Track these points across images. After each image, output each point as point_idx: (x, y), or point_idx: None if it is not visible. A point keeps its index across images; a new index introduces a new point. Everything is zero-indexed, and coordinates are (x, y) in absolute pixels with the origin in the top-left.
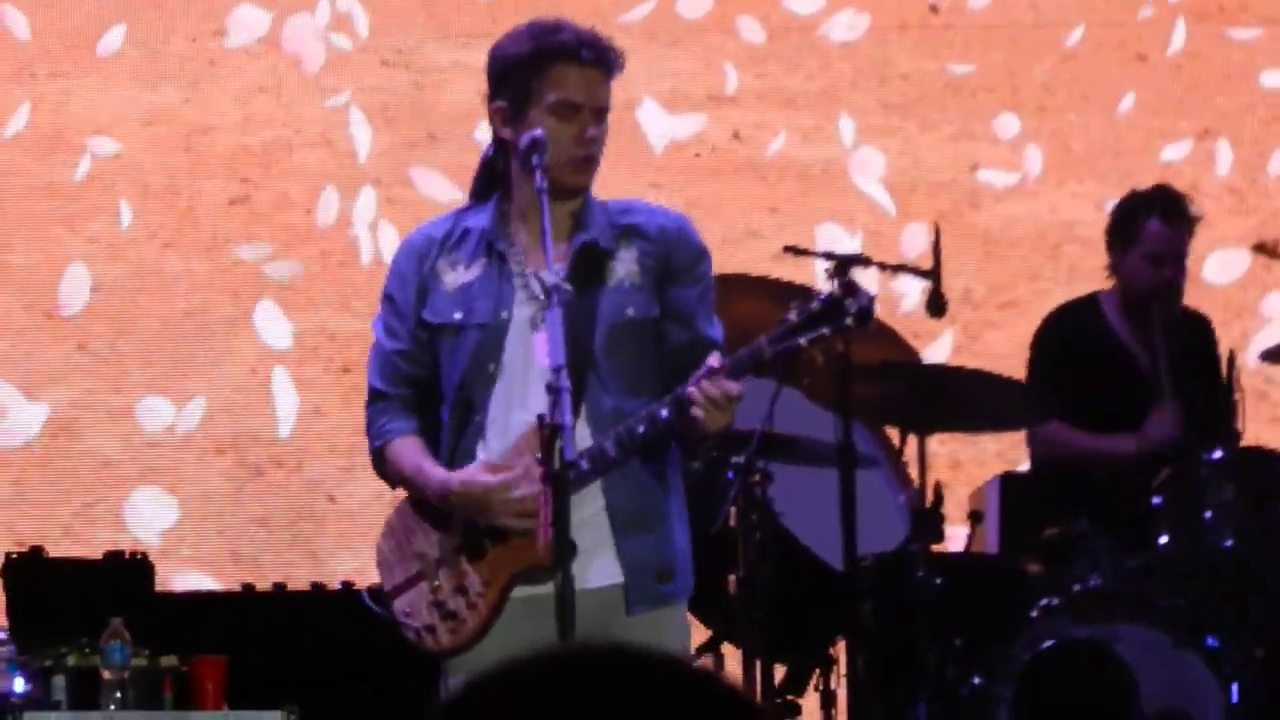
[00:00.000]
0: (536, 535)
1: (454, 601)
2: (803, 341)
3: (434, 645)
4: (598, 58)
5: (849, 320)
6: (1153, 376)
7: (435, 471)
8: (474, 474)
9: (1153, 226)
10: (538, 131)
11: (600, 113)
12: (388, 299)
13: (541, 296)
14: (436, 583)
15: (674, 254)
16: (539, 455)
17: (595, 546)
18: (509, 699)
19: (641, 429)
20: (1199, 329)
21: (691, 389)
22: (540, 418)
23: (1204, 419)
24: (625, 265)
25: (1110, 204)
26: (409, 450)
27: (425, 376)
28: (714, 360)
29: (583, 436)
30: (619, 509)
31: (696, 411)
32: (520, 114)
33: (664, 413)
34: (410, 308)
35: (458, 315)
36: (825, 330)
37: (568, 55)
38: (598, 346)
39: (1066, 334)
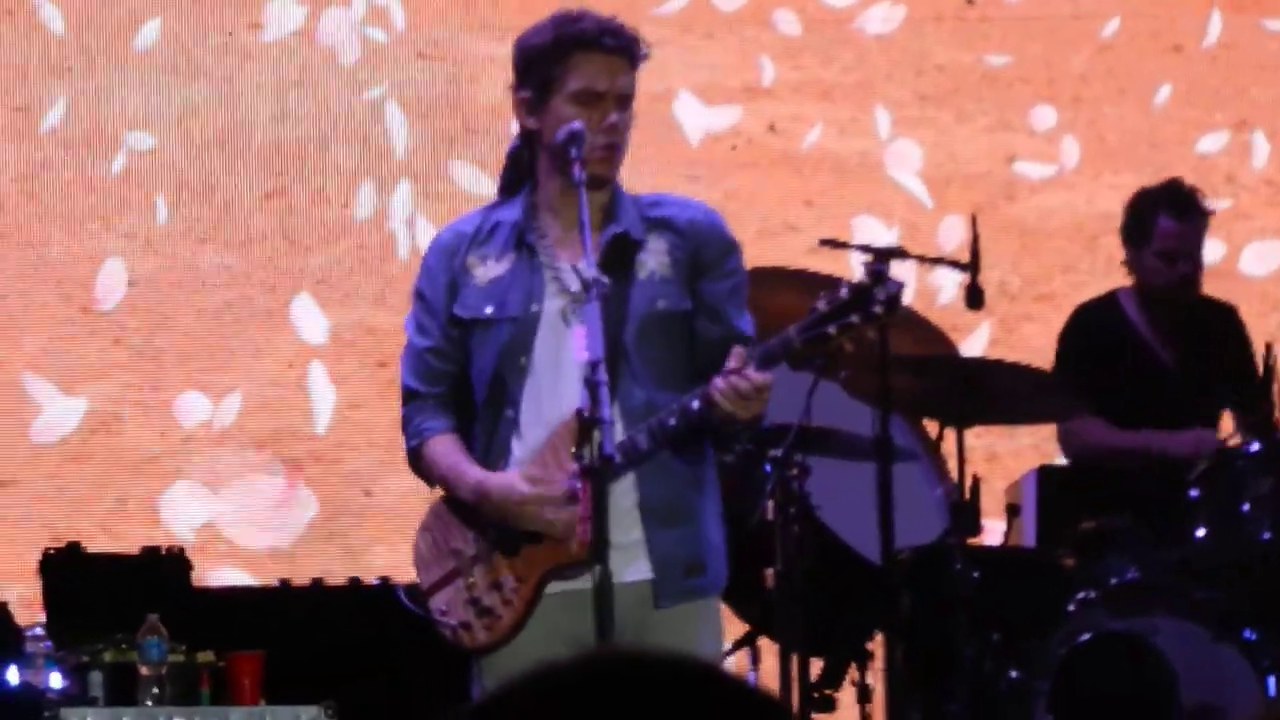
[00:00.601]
0: (571, 534)
1: (489, 598)
2: (832, 330)
3: (470, 642)
4: (619, 45)
5: (877, 308)
6: (1181, 371)
7: (471, 473)
8: (511, 482)
9: (1164, 224)
10: (576, 124)
11: (623, 100)
12: (419, 297)
13: (575, 289)
14: (472, 579)
15: (705, 248)
16: (575, 450)
17: (628, 541)
18: (537, 707)
19: (673, 421)
20: (1224, 316)
21: (719, 381)
22: (579, 411)
23: (1238, 407)
24: (656, 257)
25: None
26: (445, 449)
27: (458, 373)
28: (735, 356)
29: (615, 428)
30: (651, 503)
31: (724, 404)
32: (543, 103)
33: (695, 405)
34: (442, 305)
35: (489, 309)
36: (854, 318)
37: (589, 43)
38: (629, 339)
39: (1089, 331)
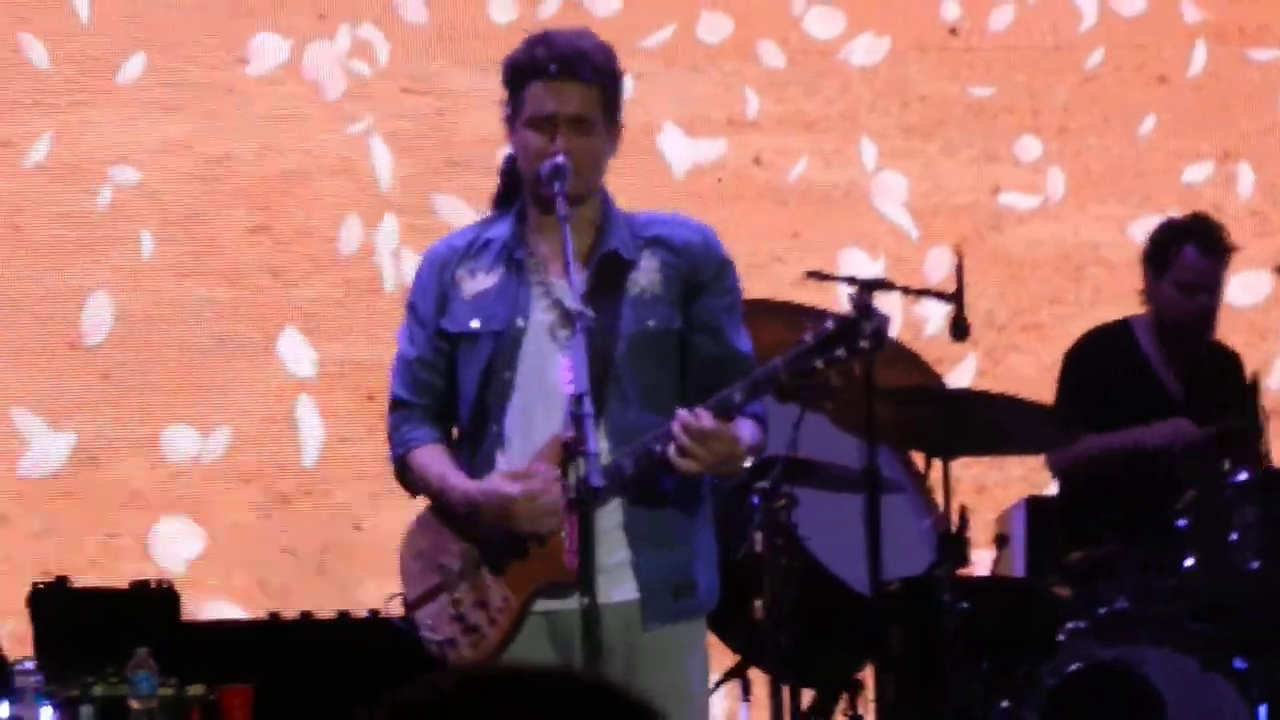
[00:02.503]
0: (559, 551)
1: (475, 615)
2: (818, 363)
3: (456, 659)
4: (564, 70)
5: (864, 342)
6: (1189, 403)
7: (458, 480)
8: (496, 483)
9: (1187, 255)
10: (559, 159)
11: (577, 122)
12: (410, 308)
13: (568, 303)
14: (457, 595)
15: (699, 267)
16: (559, 471)
17: (614, 563)
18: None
19: (659, 448)
20: (1228, 361)
21: (674, 425)
22: (565, 444)
23: (1239, 447)
24: (647, 275)
25: (1133, 226)
26: (432, 458)
27: (446, 386)
28: (682, 412)
29: (601, 449)
30: (636, 524)
31: (671, 450)
32: (512, 127)
33: (657, 448)
34: (431, 317)
35: (475, 323)
36: (840, 352)
37: (536, 71)
38: (619, 358)
39: (1098, 357)
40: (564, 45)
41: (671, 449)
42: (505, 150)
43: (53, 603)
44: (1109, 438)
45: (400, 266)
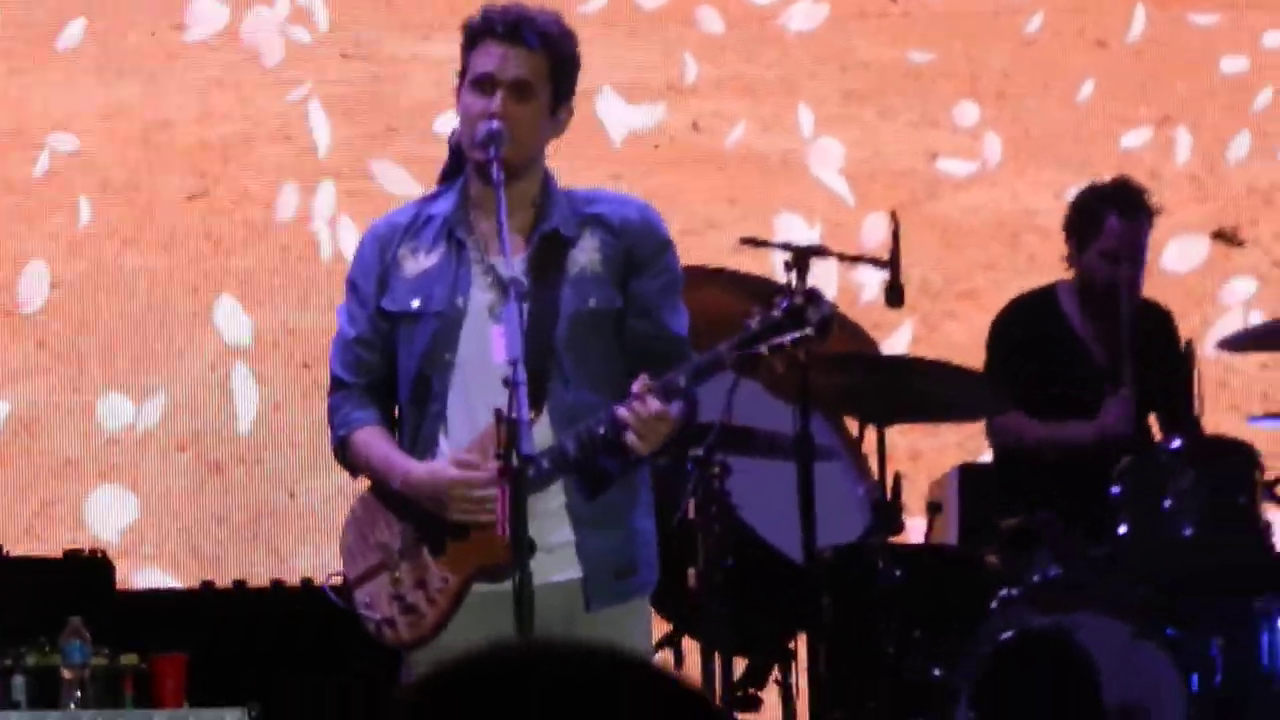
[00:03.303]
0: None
1: (414, 595)
2: (763, 349)
3: (393, 638)
4: (510, 32)
5: (810, 330)
6: (1110, 367)
7: (400, 462)
8: (440, 467)
9: (1111, 223)
10: (494, 124)
11: (517, 86)
12: (351, 286)
13: (501, 288)
14: (397, 575)
15: (637, 245)
16: (497, 450)
17: (558, 542)
18: (470, 692)
19: (602, 430)
20: (1160, 321)
21: (621, 410)
22: (497, 412)
23: (1165, 410)
24: (587, 255)
25: (1071, 192)
26: (374, 440)
27: (386, 365)
28: (639, 382)
29: (543, 430)
30: (579, 505)
31: (628, 435)
32: (459, 92)
33: (600, 430)
34: (372, 296)
35: (415, 303)
36: (785, 339)
37: (484, 31)
38: (559, 338)
39: (1023, 324)
40: (515, 10)
41: (629, 435)
42: (445, 121)
43: None
44: (1055, 430)
45: (337, 234)
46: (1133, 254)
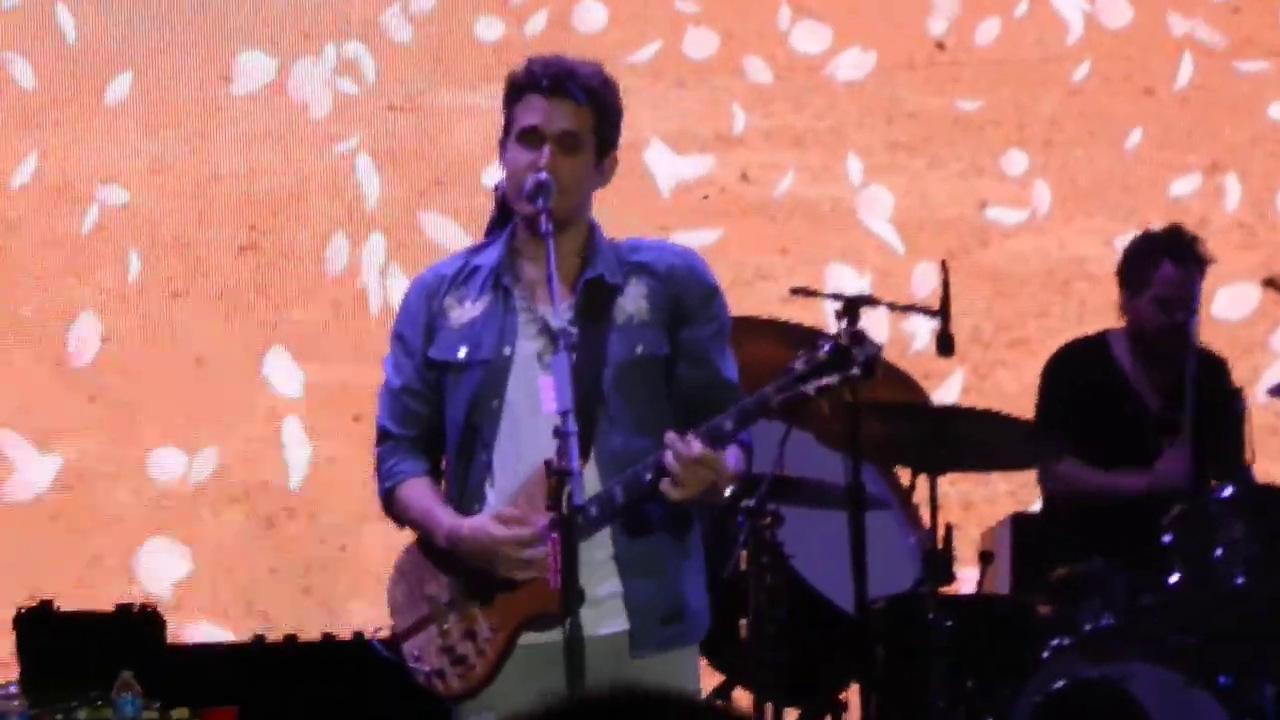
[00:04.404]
0: (547, 583)
1: (463, 646)
2: (809, 390)
3: (443, 689)
4: (555, 85)
5: (855, 369)
6: (1163, 415)
7: (445, 516)
8: (485, 524)
9: (1164, 270)
10: (542, 175)
11: (564, 139)
12: (397, 337)
13: (551, 332)
14: (446, 626)
15: (685, 293)
16: (547, 501)
17: (604, 594)
18: None
19: (649, 476)
20: (1215, 370)
21: (666, 455)
22: (548, 463)
23: (1220, 460)
24: (634, 302)
25: (1120, 240)
26: (419, 492)
27: (433, 415)
28: (672, 438)
29: (591, 476)
30: (627, 554)
31: (663, 480)
32: (504, 146)
33: (648, 476)
34: (419, 346)
35: (462, 352)
36: (831, 380)
37: (530, 85)
38: (607, 385)
39: (1075, 371)
40: (560, 63)
41: (664, 479)
42: (492, 172)
43: (37, 626)
44: (1110, 479)
45: (387, 285)
46: (1185, 301)
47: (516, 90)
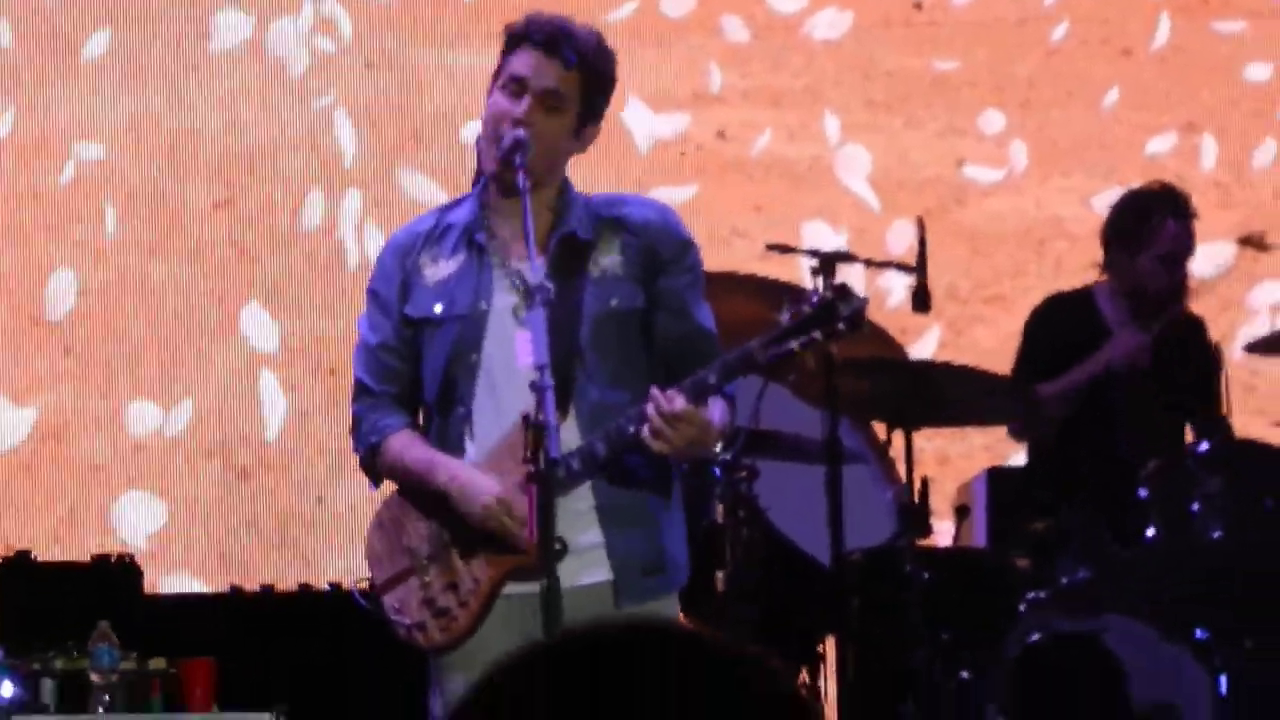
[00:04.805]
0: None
1: (445, 598)
2: (795, 346)
3: (425, 642)
4: (548, 41)
5: (841, 324)
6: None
7: (445, 460)
8: (482, 479)
9: (1169, 227)
10: (520, 133)
11: (547, 96)
12: (372, 295)
13: (525, 288)
14: (427, 579)
15: (659, 245)
16: (525, 454)
17: (586, 544)
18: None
19: (631, 429)
20: (1191, 329)
21: (649, 407)
22: (525, 416)
23: (1193, 416)
24: (609, 256)
25: (1097, 199)
26: (410, 442)
27: (411, 372)
28: (655, 393)
29: (570, 430)
30: (608, 505)
31: (644, 431)
32: (489, 94)
33: (630, 429)
34: (394, 304)
35: (438, 308)
36: (817, 334)
37: (525, 37)
38: (583, 339)
39: (1058, 323)
40: (560, 22)
41: (645, 430)
42: (470, 129)
43: (14, 577)
44: (1059, 380)
45: (363, 242)
46: (1185, 255)
47: (513, 40)
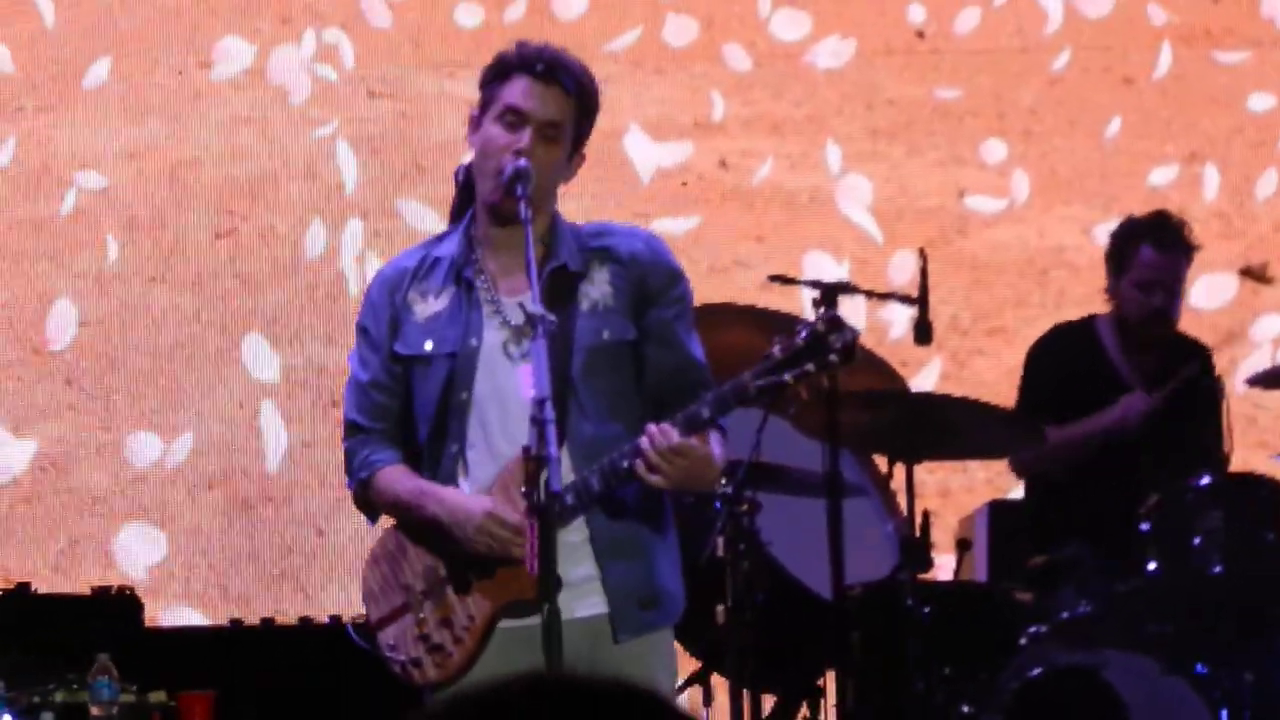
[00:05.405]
0: (523, 568)
1: (440, 634)
2: (787, 377)
3: (420, 678)
4: (547, 71)
5: (833, 356)
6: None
7: (435, 488)
8: (476, 496)
9: (1144, 254)
10: (522, 163)
11: (548, 128)
12: (362, 332)
13: (516, 322)
14: (422, 615)
15: (649, 277)
16: (524, 488)
17: (580, 577)
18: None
19: (626, 464)
20: (1194, 357)
21: (643, 442)
22: (525, 449)
23: (1198, 447)
24: (599, 288)
25: (1099, 229)
26: (402, 475)
27: (401, 409)
28: (650, 428)
29: (564, 463)
30: (602, 538)
31: (638, 464)
32: (479, 125)
33: (625, 464)
34: (383, 340)
35: (428, 346)
36: (809, 366)
37: (521, 67)
38: (575, 371)
39: (1061, 354)
40: (553, 51)
41: (639, 464)
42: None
43: (13, 609)
44: (1066, 430)
45: (365, 271)
46: (1166, 286)
47: (504, 70)
